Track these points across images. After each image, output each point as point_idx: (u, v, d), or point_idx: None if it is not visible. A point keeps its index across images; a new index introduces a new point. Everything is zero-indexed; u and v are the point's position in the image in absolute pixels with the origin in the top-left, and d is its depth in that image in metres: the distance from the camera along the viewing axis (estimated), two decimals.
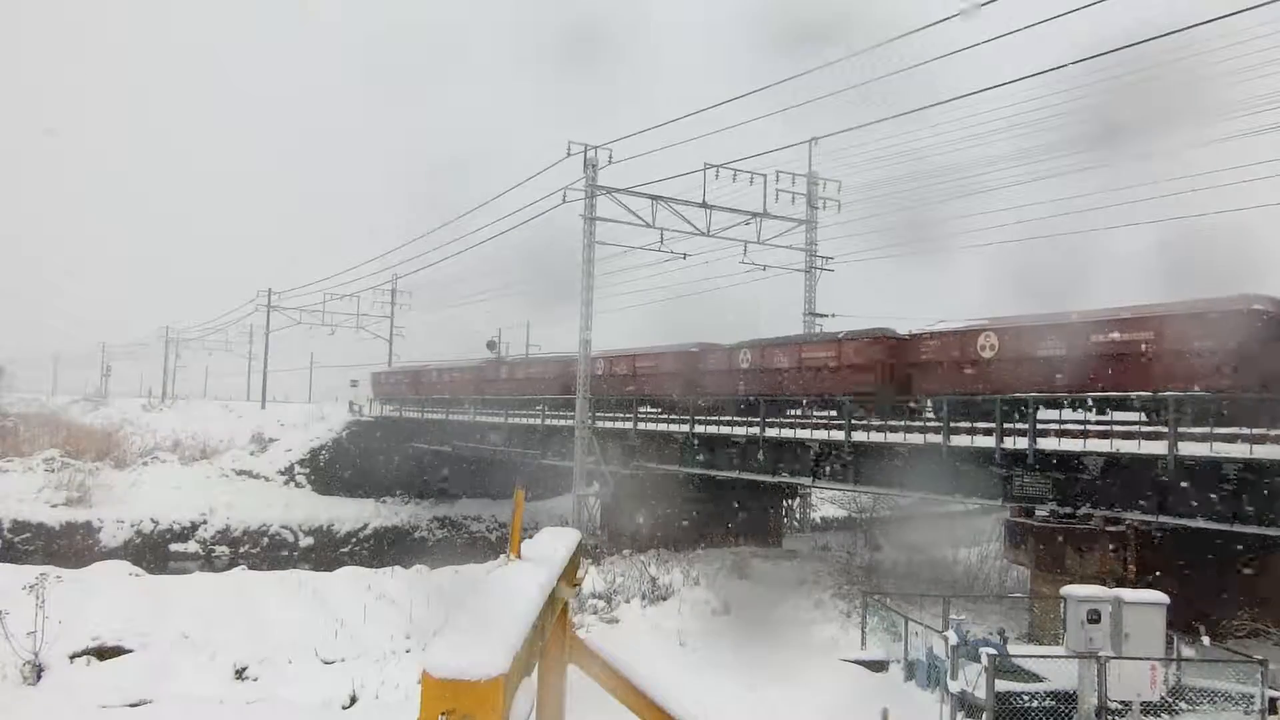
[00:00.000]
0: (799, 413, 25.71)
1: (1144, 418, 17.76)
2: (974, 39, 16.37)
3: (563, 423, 33.97)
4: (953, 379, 20.91)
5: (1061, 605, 14.07)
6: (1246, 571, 17.25)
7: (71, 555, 32.56)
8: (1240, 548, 16.84)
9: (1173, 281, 19.30)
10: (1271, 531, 14.84)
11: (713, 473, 27.58)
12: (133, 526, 38.27)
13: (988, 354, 20.26)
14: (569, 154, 29.82)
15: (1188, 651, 14.43)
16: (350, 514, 43.96)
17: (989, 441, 18.84)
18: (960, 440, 19.57)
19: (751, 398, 26.62)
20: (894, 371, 22.95)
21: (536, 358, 45.18)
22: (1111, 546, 17.11)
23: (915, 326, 22.76)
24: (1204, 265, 19.86)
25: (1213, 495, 15.49)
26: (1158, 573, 16.30)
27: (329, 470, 46.33)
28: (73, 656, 16.55)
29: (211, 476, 44.01)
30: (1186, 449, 15.53)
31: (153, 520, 38.93)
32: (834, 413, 23.93)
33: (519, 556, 3.62)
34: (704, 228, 31.59)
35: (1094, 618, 13.45)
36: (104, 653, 16.92)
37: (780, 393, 26.21)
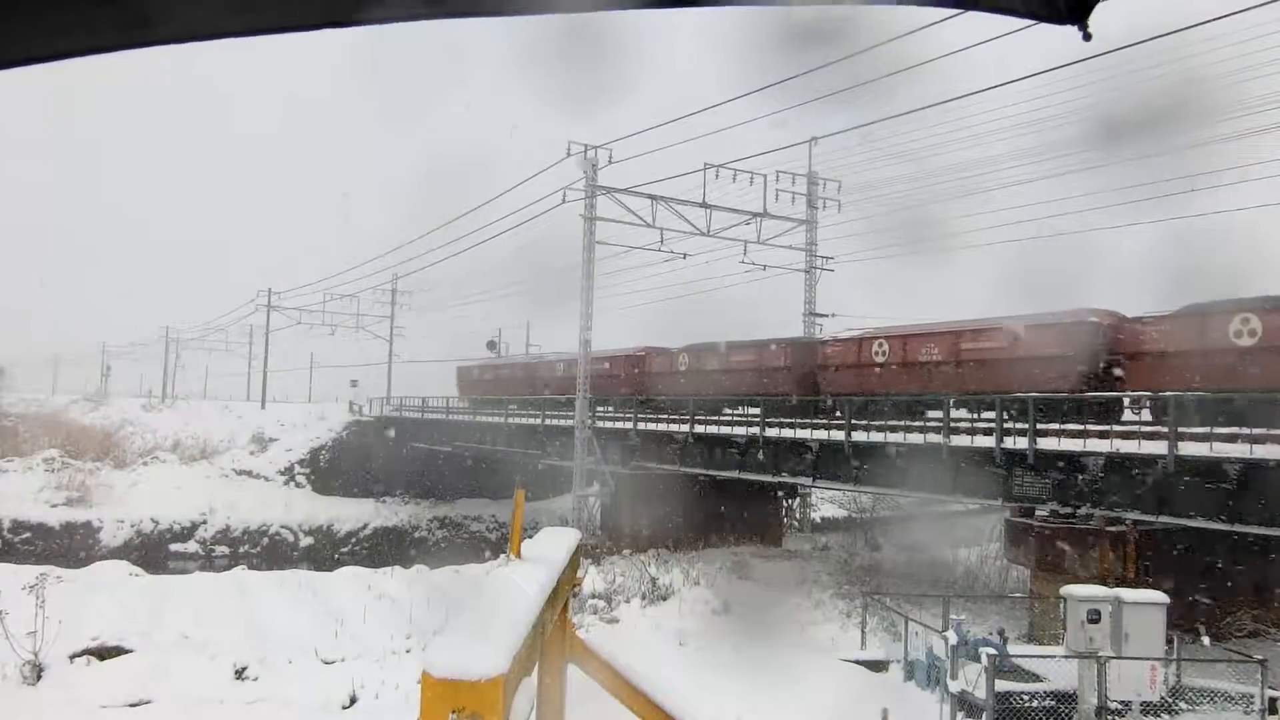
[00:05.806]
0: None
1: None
2: (973, 39, 16.36)
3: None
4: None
5: (1061, 605, 14.08)
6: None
7: (71, 555, 32.58)
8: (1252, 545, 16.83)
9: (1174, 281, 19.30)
10: (1272, 531, 14.84)
11: (713, 473, 27.53)
12: (133, 526, 38.27)
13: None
14: (569, 154, 29.81)
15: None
16: (350, 514, 43.95)
17: (989, 441, 18.85)
18: (960, 440, 19.57)
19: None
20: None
21: (733, 343, 31.51)
22: (1111, 546, 17.11)
23: None
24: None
25: (1213, 495, 15.48)
26: (1157, 573, 16.31)
27: (329, 470, 46.31)
28: (73, 656, 16.52)
29: (211, 476, 43.97)
30: (1186, 449, 15.51)
31: (153, 520, 38.93)
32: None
33: (519, 556, 3.61)
34: (704, 228, 31.58)
35: (1094, 618, 13.45)
36: (104, 653, 16.88)
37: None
